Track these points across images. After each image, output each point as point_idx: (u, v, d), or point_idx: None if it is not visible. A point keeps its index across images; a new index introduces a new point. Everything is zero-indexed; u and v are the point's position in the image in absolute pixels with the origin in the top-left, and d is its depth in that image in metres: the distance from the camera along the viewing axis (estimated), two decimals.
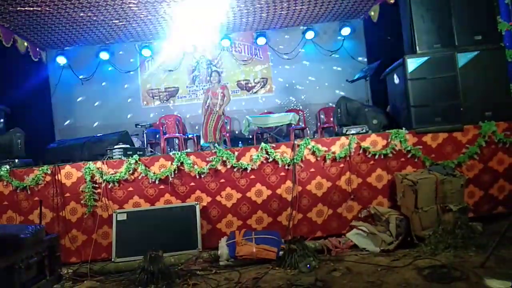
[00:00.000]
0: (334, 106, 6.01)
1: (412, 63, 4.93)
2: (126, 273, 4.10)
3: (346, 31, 8.82)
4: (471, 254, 3.69)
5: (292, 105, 9.09)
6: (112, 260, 4.35)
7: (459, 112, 4.86)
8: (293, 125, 7.60)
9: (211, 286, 3.53)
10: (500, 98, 4.93)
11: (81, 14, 7.01)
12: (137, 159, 4.67)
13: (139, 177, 4.69)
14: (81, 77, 8.98)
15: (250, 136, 8.13)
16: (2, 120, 5.94)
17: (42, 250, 2.40)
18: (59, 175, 4.68)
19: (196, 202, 4.59)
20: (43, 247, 2.41)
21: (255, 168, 4.70)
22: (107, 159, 4.76)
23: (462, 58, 4.93)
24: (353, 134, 4.87)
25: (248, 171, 4.69)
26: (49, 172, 4.67)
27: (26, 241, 2.25)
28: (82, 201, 4.64)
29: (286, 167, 4.72)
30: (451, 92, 4.88)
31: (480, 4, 5.06)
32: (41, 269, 2.43)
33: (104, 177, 4.64)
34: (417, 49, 5.01)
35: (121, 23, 7.66)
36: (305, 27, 8.93)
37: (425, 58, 4.93)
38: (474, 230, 4.05)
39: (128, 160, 4.67)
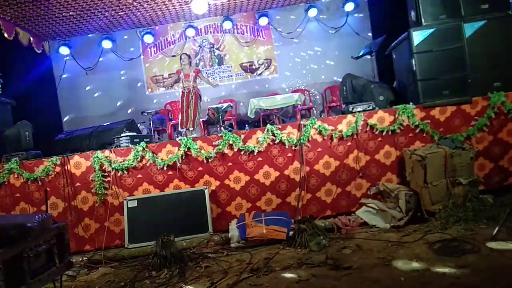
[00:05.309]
0: (340, 84, 5.92)
1: (417, 36, 4.82)
2: (139, 258, 4.19)
3: (349, 6, 8.60)
4: (482, 226, 3.68)
5: (297, 85, 9.00)
6: (125, 246, 4.43)
7: (467, 84, 4.77)
8: (299, 106, 7.55)
9: (223, 268, 3.57)
10: (509, 67, 4.81)
11: (81, 3, 6.95)
12: (144, 146, 4.69)
13: (147, 164, 4.72)
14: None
15: (257, 119, 8.10)
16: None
17: (50, 238, 2.44)
18: (68, 165, 4.73)
19: (205, 187, 4.62)
20: (51, 235, 2.46)
21: (262, 150, 4.69)
22: (115, 147, 4.80)
23: (469, 28, 4.81)
24: (359, 111, 4.82)
25: (255, 154, 4.69)
26: (58, 162, 4.72)
27: (33, 230, 2.29)
28: (92, 190, 4.70)
29: (293, 147, 4.71)
30: (459, 63, 4.78)
31: None
32: (50, 257, 2.48)
33: (113, 166, 4.69)
34: (423, 21, 4.89)
35: (121, 11, 7.59)
36: (307, 5, 8.75)
37: (431, 30, 4.82)
38: (485, 203, 4.03)
39: (136, 148, 4.70)
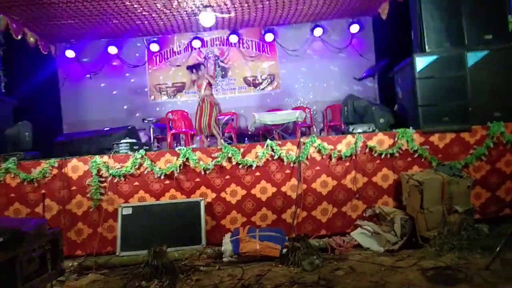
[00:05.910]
0: (341, 104, 5.97)
1: (420, 62, 4.89)
2: (130, 267, 4.13)
3: (354, 28, 8.72)
4: (476, 256, 3.66)
5: (299, 102, 9.05)
6: (117, 253, 4.39)
7: (467, 112, 4.81)
8: (299, 123, 7.57)
9: (214, 282, 3.54)
10: (509, 98, 4.86)
11: (90, 9, 7.03)
12: (143, 154, 4.69)
13: (145, 172, 4.71)
14: (89, 75, 9.01)
15: (256, 133, 8.11)
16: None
17: (44, 244, 2.42)
18: (66, 168, 4.72)
19: (201, 198, 4.61)
20: (46, 240, 2.44)
21: (260, 165, 4.70)
22: (114, 153, 4.79)
23: (472, 58, 4.88)
24: (359, 132, 4.84)
25: (253, 168, 4.69)
26: (56, 165, 4.71)
27: (28, 235, 2.27)
28: (88, 195, 4.68)
29: (292, 164, 4.72)
30: (460, 91, 4.84)
31: (490, 3, 5.01)
32: (43, 263, 2.45)
33: (110, 171, 4.68)
34: (426, 47, 4.97)
35: (129, 18, 7.67)
36: (313, 24, 8.86)
37: (434, 57, 4.89)
38: (480, 232, 4.02)
39: (134, 155, 4.70)
